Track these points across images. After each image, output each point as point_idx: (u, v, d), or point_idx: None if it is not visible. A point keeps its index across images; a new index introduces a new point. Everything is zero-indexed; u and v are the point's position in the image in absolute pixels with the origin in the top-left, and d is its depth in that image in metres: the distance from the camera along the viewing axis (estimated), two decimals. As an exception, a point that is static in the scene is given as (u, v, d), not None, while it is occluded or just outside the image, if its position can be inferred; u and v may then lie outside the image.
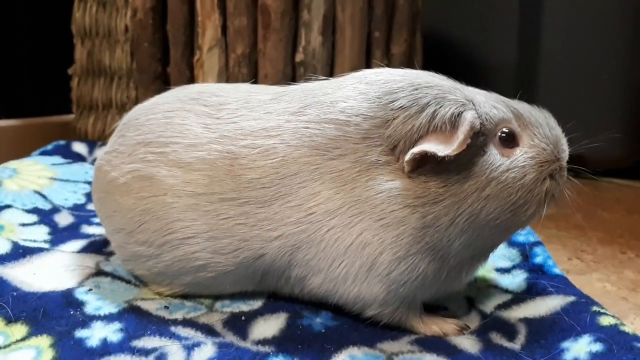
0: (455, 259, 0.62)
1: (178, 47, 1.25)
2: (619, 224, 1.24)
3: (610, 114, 1.59)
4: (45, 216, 0.89)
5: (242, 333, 0.62)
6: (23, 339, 0.58)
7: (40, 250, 0.76)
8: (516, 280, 0.73)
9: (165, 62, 1.28)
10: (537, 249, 0.77)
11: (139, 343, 0.58)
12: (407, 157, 0.58)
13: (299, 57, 1.21)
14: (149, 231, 0.66)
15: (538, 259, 0.75)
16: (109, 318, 0.62)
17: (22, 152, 1.18)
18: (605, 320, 0.58)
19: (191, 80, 1.25)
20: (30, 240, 0.80)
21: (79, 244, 0.81)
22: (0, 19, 1.43)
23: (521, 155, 0.62)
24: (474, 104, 0.61)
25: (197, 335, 0.60)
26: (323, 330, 0.62)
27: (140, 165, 0.68)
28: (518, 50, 1.71)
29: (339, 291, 0.63)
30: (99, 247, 0.80)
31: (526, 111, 0.65)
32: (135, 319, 0.62)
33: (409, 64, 1.34)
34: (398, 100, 0.60)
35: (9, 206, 0.89)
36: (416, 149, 0.58)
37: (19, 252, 0.74)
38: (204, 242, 0.65)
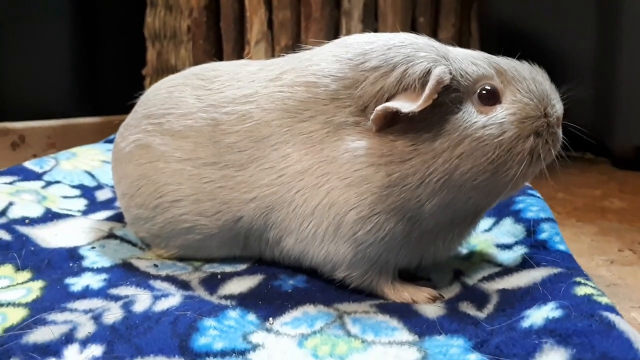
0: (430, 222, 0.59)
1: (229, 42, 1.32)
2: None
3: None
4: (87, 191, 0.98)
5: (212, 289, 0.64)
6: (23, 283, 0.65)
7: (67, 216, 0.84)
8: (514, 256, 0.68)
9: (220, 58, 1.36)
10: (545, 225, 0.71)
11: (115, 291, 0.62)
12: (372, 115, 0.58)
13: (341, 46, 1.22)
14: (144, 194, 0.71)
15: (543, 235, 0.69)
16: (99, 270, 0.68)
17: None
18: (581, 291, 0.53)
19: (242, 73, 1.31)
20: (66, 209, 0.89)
21: (106, 214, 0.89)
22: (84, 31, 1.61)
23: (501, 112, 0.58)
24: (447, 60, 0.59)
25: (171, 289, 0.63)
26: (290, 291, 0.63)
27: (142, 135, 0.73)
28: (596, 39, 1.58)
29: (310, 252, 0.63)
30: (121, 217, 0.87)
31: (510, 67, 0.61)
32: (122, 272, 0.67)
33: (459, 50, 1.30)
34: (369, 61, 0.60)
35: (58, 182, 0.99)
36: (380, 107, 0.57)
37: (48, 217, 0.82)
38: (190, 204, 0.69)
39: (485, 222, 0.77)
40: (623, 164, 1.56)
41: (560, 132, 0.60)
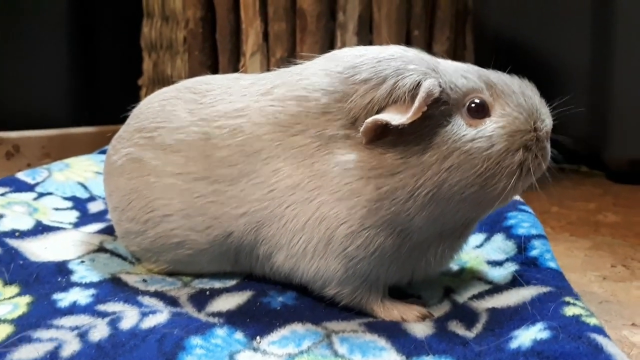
0: (419, 235, 0.59)
1: (225, 54, 1.32)
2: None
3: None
4: (79, 203, 0.98)
5: (201, 306, 0.63)
6: (10, 298, 0.64)
7: (58, 229, 0.84)
8: (504, 273, 0.67)
9: (215, 69, 1.36)
10: (536, 242, 0.70)
11: (103, 307, 0.62)
12: (362, 127, 0.57)
13: (336, 58, 1.22)
14: (135, 208, 0.71)
15: (534, 252, 0.69)
16: (87, 285, 0.67)
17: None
18: (570, 311, 0.52)
19: (237, 85, 1.31)
20: (57, 222, 0.89)
21: (97, 226, 0.88)
22: (80, 40, 1.61)
23: (490, 125, 0.58)
24: (437, 73, 0.59)
25: (158, 305, 0.63)
26: (278, 308, 0.62)
27: (134, 149, 0.73)
28: (591, 52, 1.59)
29: (300, 268, 0.63)
30: (112, 230, 0.86)
31: (500, 80, 0.61)
32: (110, 287, 0.66)
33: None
34: (359, 74, 0.60)
35: (50, 193, 0.99)
36: (370, 119, 0.57)
37: (39, 229, 0.82)
38: (180, 219, 0.68)
39: (477, 238, 0.77)
40: (618, 177, 1.56)
41: (549, 146, 0.60)
